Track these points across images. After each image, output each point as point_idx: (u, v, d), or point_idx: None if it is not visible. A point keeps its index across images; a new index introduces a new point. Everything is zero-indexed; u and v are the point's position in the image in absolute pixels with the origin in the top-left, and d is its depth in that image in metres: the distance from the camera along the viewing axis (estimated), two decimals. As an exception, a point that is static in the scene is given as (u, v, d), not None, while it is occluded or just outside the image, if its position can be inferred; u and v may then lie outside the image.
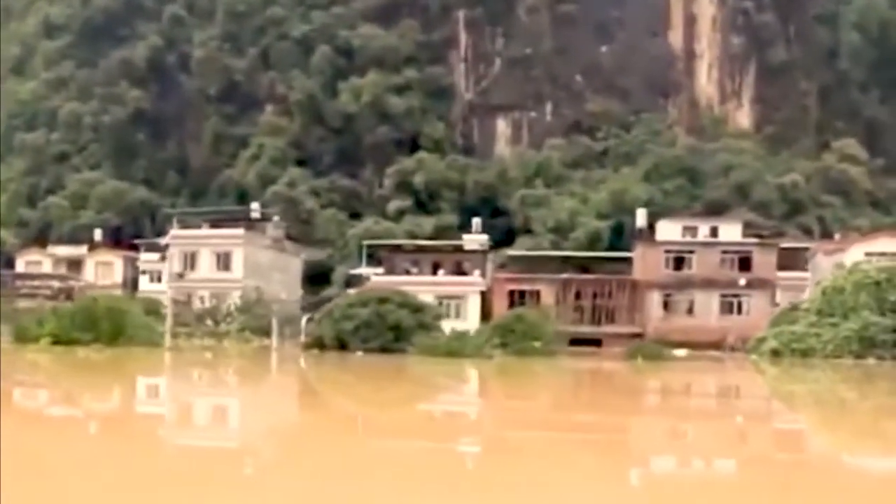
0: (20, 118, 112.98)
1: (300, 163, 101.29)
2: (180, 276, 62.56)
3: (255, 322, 52.75)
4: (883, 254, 54.19)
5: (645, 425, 15.41)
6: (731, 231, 64.76)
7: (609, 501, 7.90)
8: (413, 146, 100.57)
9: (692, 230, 65.30)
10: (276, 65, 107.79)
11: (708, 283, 61.55)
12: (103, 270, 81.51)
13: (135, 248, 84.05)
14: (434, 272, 64.71)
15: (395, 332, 36.49)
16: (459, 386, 25.57)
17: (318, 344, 38.82)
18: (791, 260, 65.04)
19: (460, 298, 62.29)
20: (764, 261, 62.09)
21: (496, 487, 8.20)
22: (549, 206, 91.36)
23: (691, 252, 62.95)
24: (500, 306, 59.60)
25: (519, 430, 13.50)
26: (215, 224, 68.03)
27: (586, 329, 60.45)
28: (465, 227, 75.53)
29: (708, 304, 62.04)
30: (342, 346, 37.20)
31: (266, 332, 49.46)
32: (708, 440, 13.30)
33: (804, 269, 63.90)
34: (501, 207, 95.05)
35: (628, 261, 66.87)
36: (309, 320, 45.52)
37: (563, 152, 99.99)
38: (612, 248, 78.68)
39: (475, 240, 68.28)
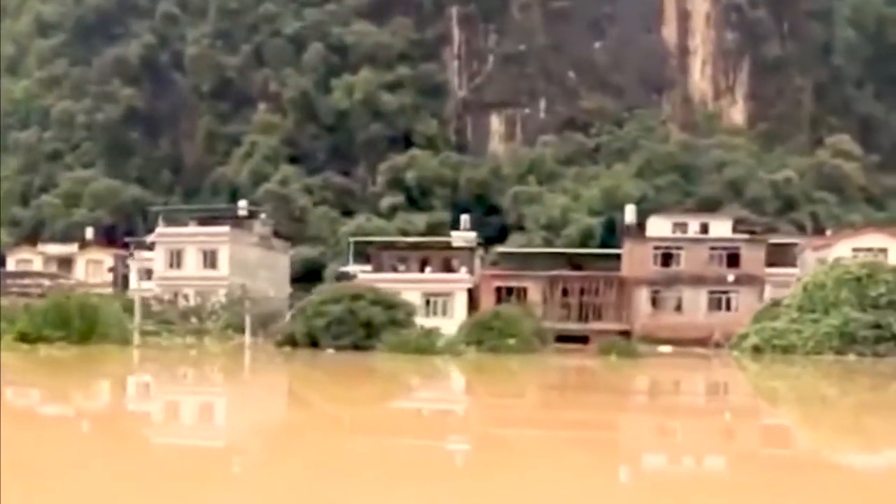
0: (13, 116, 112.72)
1: (293, 160, 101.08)
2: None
3: (239, 320, 52.56)
4: (870, 249, 53.98)
5: (580, 422, 15.15)
6: (721, 227, 64.46)
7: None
8: (406, 143, 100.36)
9: (682, 226, 65.02)
10: (269, 62, 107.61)
11: (696, 280, 61.24)
12: (94, 269, 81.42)
13: (127, 246, 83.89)
14: (422, 269, 64.47)
15: (366, 329, 36.22)
16: (406, 384, 25.18)
17: (290, 341, 38.53)
18: (782, 256, 64.66)
19: (447, 296, 62.05)
20: (752, 257, 61.76)
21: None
22: (541, 202, 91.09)
23: (679, 248, 62.67)
24: (487, 303, 59.28)
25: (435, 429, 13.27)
26: (203, 222, 67.88)
27: (573, 326, 60.13)
28: (458, 225, 75.24)
29: (696, 300, 61.73)
30: (314, 343, 36.91)
31: (253, 330, 49.31)
32: (636, 439, 13.06)
33: (794, 266, 63.57)
34: (495, 204, 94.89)
35: (619, 257, 66.51)
36: (293, 317, 45.25)
37: (556, 149, 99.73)
38: (604, 244, 78.36)
39: (463, 237, 68.01)
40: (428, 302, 60.30)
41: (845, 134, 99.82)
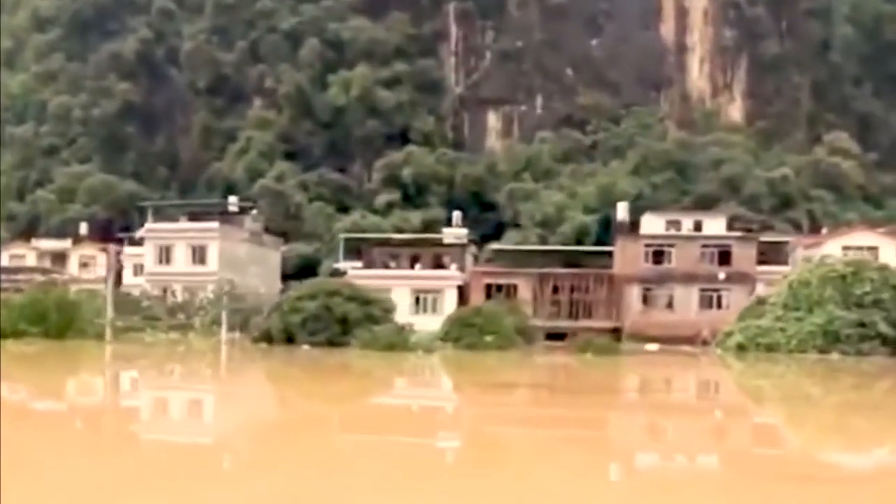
0: (10, 111, 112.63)
1: (289, 156, 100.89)
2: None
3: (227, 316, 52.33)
4: (860, 248, 53.66)
5: (533, 418, 14.91)
6: (714, 225, 64.11)
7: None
8: (403, 140, 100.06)
9: (676, 224, 64.71)
10: (265, 58, 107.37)
11: (688, 278, 60.93)
12: (88, 264, 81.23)
13: (122, 242, 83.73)
14: (412, 266, 64.26)
15: (342, 326, 35.95)
16: (360, 381, 24.81)
17: (266, 337, 38.28)
18: (775, 254, 64.37)
19: (437, 293, 61.78)
20: (744, 255, 61.44)
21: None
22: (537, 199, 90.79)
23: (671, 246, 62.36)
24: (476, 300, 59.00)
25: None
26: (193, 217, 67.68)
27: (563, 323, 59.83)
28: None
29: (687, 298, 61.41)
30: (290, 339, 36.65)
31: (238, 326, 49.12)
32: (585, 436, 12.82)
33: (787, 264, 63.23)
34: (491, 201, 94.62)
35: (612, 255, 66.25)
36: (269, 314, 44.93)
37: (552, 146, 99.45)
38: (599, 242, 78.05)
39: (455, 234, 67.79)
40: (418, 299, 60.17)
41: (843, 132, 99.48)
